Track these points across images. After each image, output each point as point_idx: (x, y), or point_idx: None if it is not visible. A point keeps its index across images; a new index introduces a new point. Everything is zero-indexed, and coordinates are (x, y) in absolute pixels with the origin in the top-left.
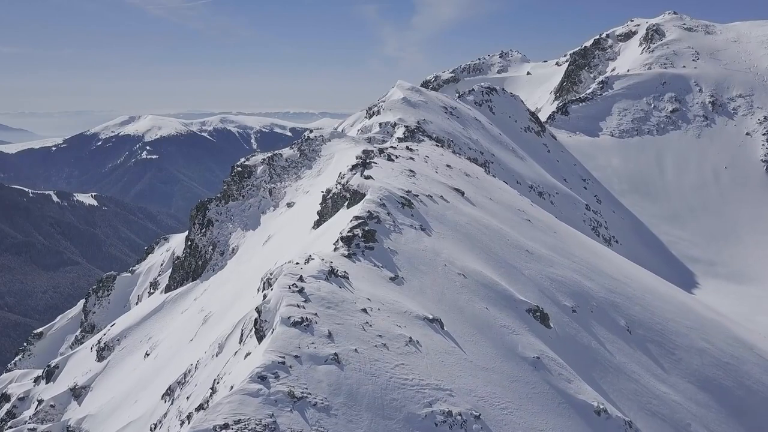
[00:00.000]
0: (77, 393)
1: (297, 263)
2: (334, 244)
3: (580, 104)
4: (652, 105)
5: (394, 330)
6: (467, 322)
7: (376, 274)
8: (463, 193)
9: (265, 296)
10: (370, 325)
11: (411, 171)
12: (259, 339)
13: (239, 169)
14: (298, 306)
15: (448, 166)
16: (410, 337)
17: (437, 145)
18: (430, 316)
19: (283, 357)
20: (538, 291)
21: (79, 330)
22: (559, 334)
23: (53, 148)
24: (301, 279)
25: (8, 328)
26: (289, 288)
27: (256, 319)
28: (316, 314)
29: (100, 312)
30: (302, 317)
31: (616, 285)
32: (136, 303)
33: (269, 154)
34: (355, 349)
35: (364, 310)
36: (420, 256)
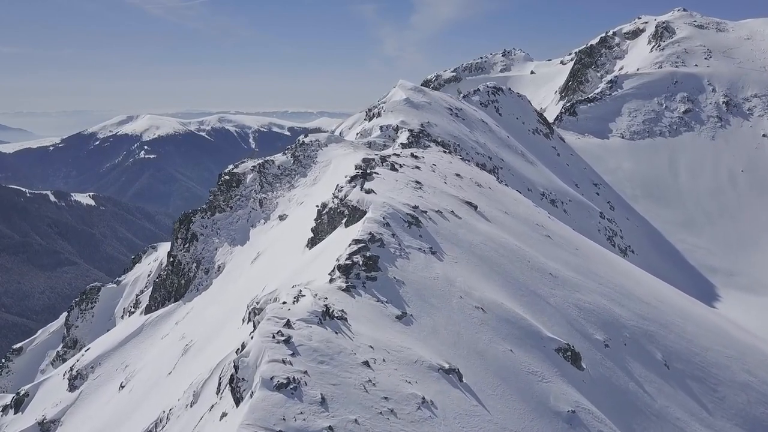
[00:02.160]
0: (45, 427)
1: (284, 303)
2: (329, 273)
3: (589, 104)
4: (664, 105)
5: (404, 388)
6: (489, 370)
7: (380, 312)
8: (476, 207)
9: (243, 346)
10: (374, 384)
11: (417, 182)
12: (237, 401)
13: (227, 177)
14: (284, 362)
15: (457, 175)
16: (423, 398)
17: (444, 151)
18: (446, 366)
19: None
20: (566, 323)
21: (61, 345)
22: (592, 377)
23: (51, 148)
24: (288, 324)
25: (5, 329)
26: (273, 337)
27: (232, 375)
28: (305, 372)
29: (83, 326)
30: (288, 377)
31: (647, 310)
32: (122, 316)
33: (260, 161)
34: (355, 420)
35: (366, 363)
36: (431, 286)
